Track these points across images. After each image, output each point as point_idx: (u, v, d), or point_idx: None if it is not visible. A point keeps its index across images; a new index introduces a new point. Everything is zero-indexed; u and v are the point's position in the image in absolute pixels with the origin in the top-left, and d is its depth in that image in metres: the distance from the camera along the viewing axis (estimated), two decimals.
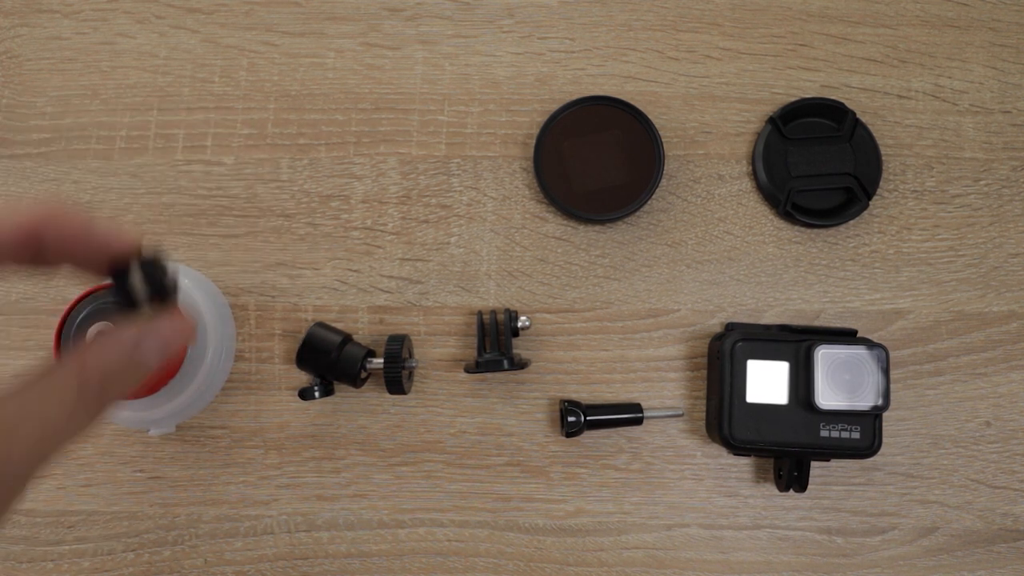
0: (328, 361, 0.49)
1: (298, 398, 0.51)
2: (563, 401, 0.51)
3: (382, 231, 0.54)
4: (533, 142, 0.54)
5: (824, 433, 0.47)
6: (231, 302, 0.54)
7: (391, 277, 0.54)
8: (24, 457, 0.23)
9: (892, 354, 0.51)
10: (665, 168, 0.53)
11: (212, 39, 0.57)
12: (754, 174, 0.54)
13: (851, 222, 0.53)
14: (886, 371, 0.47)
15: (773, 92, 0.55)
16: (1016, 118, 0.55)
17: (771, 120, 0.54)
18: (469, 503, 0.52)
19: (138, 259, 0.28)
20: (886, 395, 0.46)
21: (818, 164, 0.53)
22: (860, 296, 0.53)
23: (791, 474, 0.49)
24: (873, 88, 0.55)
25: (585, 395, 0.52)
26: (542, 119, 0.54)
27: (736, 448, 0.48)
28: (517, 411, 0.52)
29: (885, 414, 0.50)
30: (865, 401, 0.46)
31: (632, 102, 0.54)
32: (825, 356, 0.47)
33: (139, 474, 0.53)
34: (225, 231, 0.55)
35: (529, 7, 0.57)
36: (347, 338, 0.50)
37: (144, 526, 0.52)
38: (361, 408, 0.53)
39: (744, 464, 0.52)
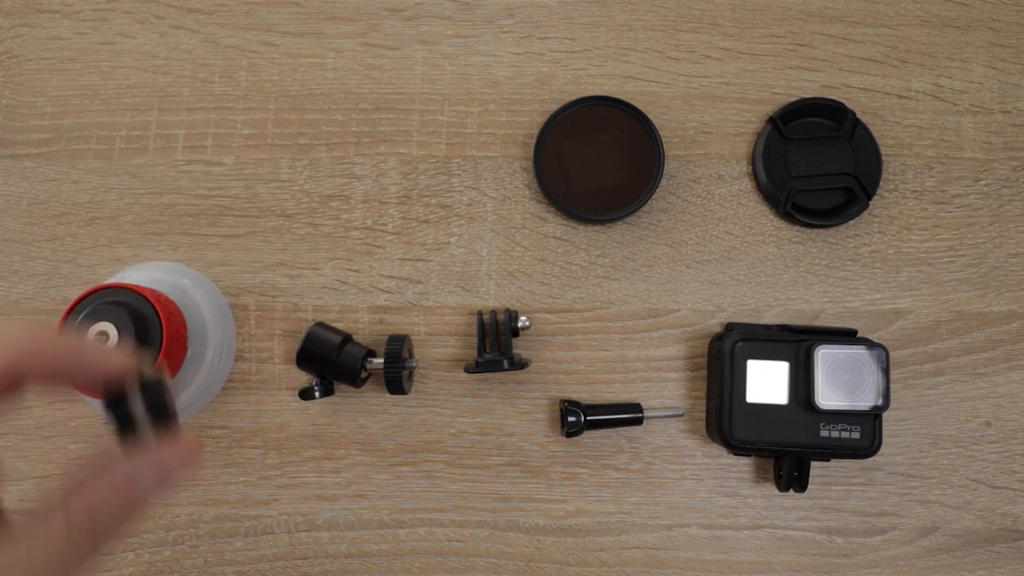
0: (328, 361, 0.49)
1: (298, 398, 0.51)
2: (563, 401, 0.51)
3: (382, 231, 0.54)
4: (533, 142, 0.54)
5: (824, 433, 0.47)
6: (231, 302, 0.54)
7: (391, 277, 0.54)
8: None
9: (892, 354, 0.51)
10: (665, 168, 0.53)
11: (212, 39, 0.57)
12: (754, 174, 0.54)
13: (851, 222, 0.53)
14: (886, 371, 0.47)
15: (773, 92, 0.55)
16: (1016, 118, 0.55)
17: (771, 120, 0.54)
18: (469, 503, 0.52)
19: (135, 382, 0.26)
20: (886, 395, 0.46)
21: (818, 164, 0.53)
22: (860, 296, 0.53)
23: (791, 474, 0.49)
24: (873, 88, 0.55)
25: (585, 395, 0.52)
26: (542, 119, 0.54)
27: (736, 448, 0.48)
28: (517, 411, 0.52)
29: (885, 414, 0.50)
30: (865, 401, 0.46)
31: (632, 102, 0.54)
32: (825, 356, 0.47)
33: None
34: (225, 231, 0.55)
35: (529, 7, 0.57)
36: (347, 338, 0.50)
37: (144, 526, 0.52)
38: (361, 408, 0.53)
39: (744, 464, 0.52)
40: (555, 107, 0.54)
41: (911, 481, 0.51)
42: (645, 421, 0.51)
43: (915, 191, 0.54)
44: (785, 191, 0.53)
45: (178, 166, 0.55)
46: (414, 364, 0.51)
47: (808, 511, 0.51)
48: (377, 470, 0.52)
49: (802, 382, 0.47)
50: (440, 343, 0.53)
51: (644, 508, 0.51)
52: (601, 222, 0.54)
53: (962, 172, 0.54)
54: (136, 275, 0.52)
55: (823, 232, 0.54)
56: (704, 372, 0.52)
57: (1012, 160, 0.54)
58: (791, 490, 0.49)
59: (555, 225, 0.54)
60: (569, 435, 0.50)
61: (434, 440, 0.52)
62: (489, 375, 0.53)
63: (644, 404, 0.51)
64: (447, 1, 0.57)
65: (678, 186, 0.54)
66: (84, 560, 0.24)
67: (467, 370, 0.50)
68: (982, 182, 0.54)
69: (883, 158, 0.54)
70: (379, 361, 0.49)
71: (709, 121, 0.55)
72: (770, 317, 0.53)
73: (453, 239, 0.54)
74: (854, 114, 0.53)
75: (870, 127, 0.54)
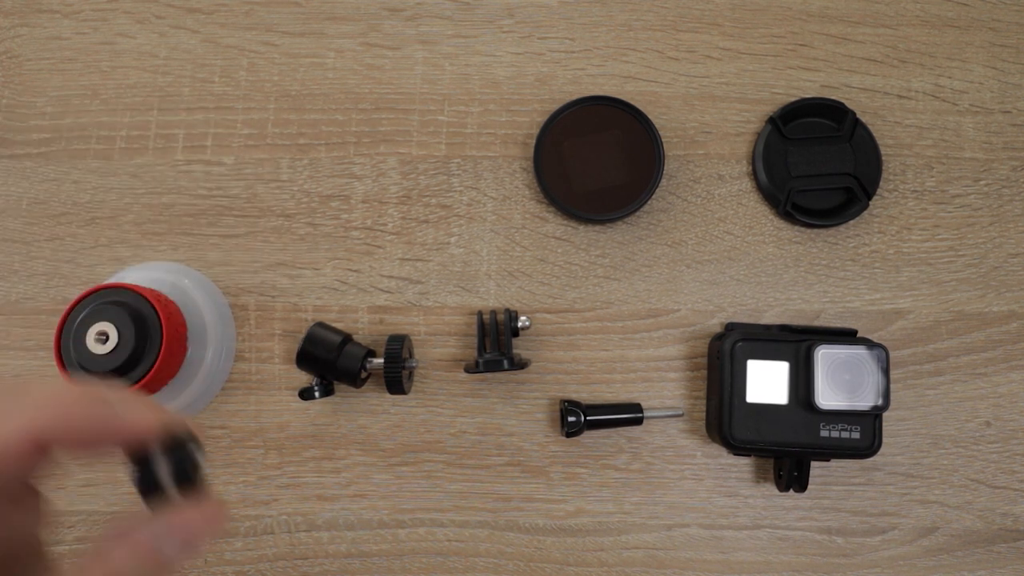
0: (328, 361, 0.49)
1: (298, 398, 0.51)
2: (563, 401, 0.51)
3: (382, 231, 0.54)
4: (533, 142, 0.54)
5: (824, 433, 0.47)
6: (231, 302, 0.54)
7: (391, 277, 0.54)
8: None
9: (892, 354, 0.51)
10: (665, 168, 0.53)
11: (212, 39, 0.57)
12: (754, 174, 0.54)
13: (851, 222, 0.53)
14: (886, 371, 0.47)
15: (773, 92, 0.55)
16: (1016, 118, 0.55)
17: (771, 120, 0.54)
18: (469, 503, 0.52)
19: (162, 442, 0.26)
20: (886, 395, 0.46)
21: (818, 164, 0.53)
22: (860, 296, 0.53)
23: (791, 474, 0.49)
24: (873, 88, 0.55)
25: (585, 395, 0.52)
26: (542, 119, 0.54)
27: (736, 448, 0.48)
28: (517, 411, 0.52)
29: (885, 414, 0.50)
30: (865, 401, 0.46)
31: (632, 102, 0.54)
32: (825, 356, 0.47)
33: None
34: (225, 231, 0.55)
35: (529, 7, 0.57)
36: (347, 338, 0.50)
37: None
38: (361, 408, 0.53)
39: (744, 464, 0.52)
40: (555, 107, 0.54)
41: (911, 481, 0.51)
42: (645, 421, 0.51)
43: (915, 191, 0.54)
44: (785, 191, 0.53)
45: (178, 166, 0.55)
46: (414, 364, 0.51)
47: (808, 511, 0.51)
48: (377, 470, 0.52)
49: (802, 382, 0.47)
50: (440, 343, 0.53)
51: (644, 508, 0.51)
52: (601, 222, 0.54)
53: (962, 172, 0.54)
54: (136, 275, 0.52)
55: (823, 232, 0.54)
56: (704, 372, 0.52)
57: (1012, 160, 0.54)
58: (791, 490, 0.49)
59: (555, 225, 0.54)
60: (569, 435, 0.50)
61: (434, 440, 0.52)
62: (489, 375, 0.53)
63: (644, 404, 0.51)
64: (447, 1, 0.57)
65: (678, 186, 0.54)
66: None
67: (467, 370, 0.50)
68: (982, 182, 0.54)
69: (883, 158, 0.54)
70: (379, 361, 0.49)
71: (709, 121, 0.55)
72: (770, 317, 0.53)
73: (453, 239, 0.54)
74: (854, 114, 0.53)
75: (870, 127, 0.54)
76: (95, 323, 0.46)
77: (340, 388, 0.51)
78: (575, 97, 0.54)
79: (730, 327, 0.52)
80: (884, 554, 0.51)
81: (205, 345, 0.50)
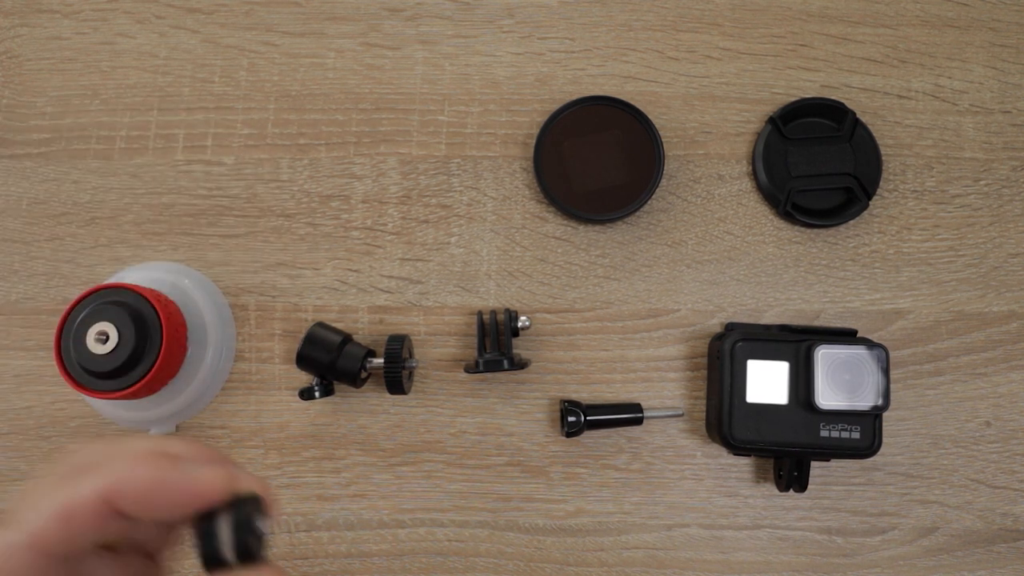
0: (328, 361, 0.49)
1: (298, 398, 0.51)
2: (563, 401, 0.51)
3: (382, 231, 0.54)
4: (533, 142, 0.54)
5: (824, 433, 0.47)
6: (231, 302, 0.54)
7: (391, 277, 0.54)
8: None
9: (892, 354, 0.51)
10: (665, 168, 0.53)
11: (212, 39, 0.57)
12: (754, 174, 0.54)
13: (851, 222, 0.53)
14: (886, 371, 0.47)
15: (773, 92, 0.55)
16: (1016, 118, 0.55)
17: (771, 120, 0.54)
18: (469, 503, 0.52)
19: (226, 506, 0.25)
20: (886, 395, 0.46)
21: (818, 164, 0.53)
22: (860, 296, 0.53)
23: (791, 474, 0.49)
24: (873, 88, 0.55)
25: (585, 395, 0.52)
26: (542, 119, 0.54)
27: (736, 448, 0.48)
28: (517, 411, 0.52)
29: (885, 414, 0.50)
30: (865, 401, 0.46)
31: (632, 102, 0.54)
32: (825, 356, 0.47)
33: None
34: (225, 231, 0.55)
35: (529, 7, 0.57)
36: (347, 338, 0.50)
37: None
38: (361, 408, 0.53)
39: (744, 464, 0.52)
40: (555, 107, 0.54)
41: (911, 481, 0.51)
42: (645, 421, 0.51)
43: (915, 191, 0.54)
44: (785, 191, 0.53)
45: (178, 166, 0.55)
46: (414, 364, 0.51)
47: (808, 511, 0.51)
48: (377, 470, 0.52)
49: (802, 382, 0.47)
50: (440, 343, 0.53)
51: (644, 508, 0.51)
52: (601, 222, 0.54)
53: (962, 172, 0.54)
54: (136, 275, 0.52)
55: (823, 232, 0.54)
56: (704, 372, 0.52)
57: (1012, 160, 0.54)
58: (791, 490, 0.49)
59: (555, 225, 0.54)
60: (569, 435, 0.50)
61: (434, 440, 0.52)
62: (489, 375, 0.53)
63: (644, 404, 0.51)
64: (447, 1, 0.57)
65: (678, 186, 0.54)
66: None
67: (467, 370, 0.50)
68: (982, 182, 0.54)
69: (883, 158, 0.54)
70: (379, 361, 0.49)
71: (709, 121, 0.55)
72: (770, 317, 0.53)
73: (453, 239, 0.54)
74: (854, 114, 0.53)
75: (870, 127, 0.54)
76: (95, 323, 0.46)
77: (340, 388, 0.51)
78: (575, 97, 0.54)
79: (730, 327, 0.52)
80: (884, 554, 0.51)
81: (205, 345, 0.50)
